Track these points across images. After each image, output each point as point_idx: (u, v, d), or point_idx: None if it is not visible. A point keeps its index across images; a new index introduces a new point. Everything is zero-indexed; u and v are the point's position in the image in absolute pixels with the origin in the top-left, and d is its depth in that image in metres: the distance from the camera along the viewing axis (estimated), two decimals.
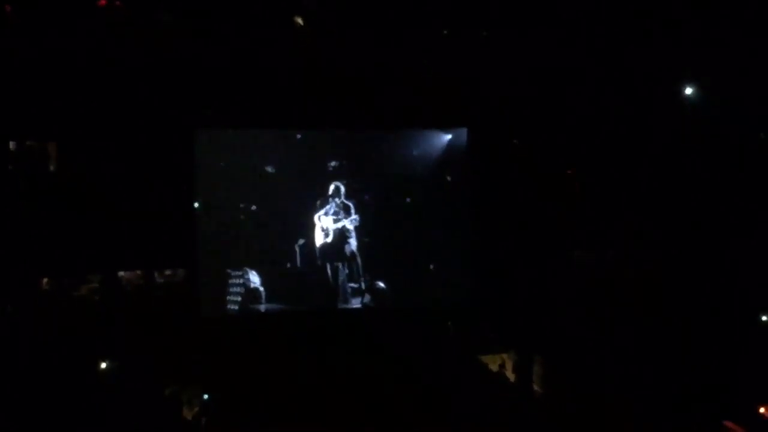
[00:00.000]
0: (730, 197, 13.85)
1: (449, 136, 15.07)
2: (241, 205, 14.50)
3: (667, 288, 14.09)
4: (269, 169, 14.55)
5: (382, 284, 14.90)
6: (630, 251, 14.43)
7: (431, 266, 15.06)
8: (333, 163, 14.81)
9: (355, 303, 14.87)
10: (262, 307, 14.50)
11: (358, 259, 14.82)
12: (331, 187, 14.81)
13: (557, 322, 14.15)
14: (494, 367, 14.26)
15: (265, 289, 14.48)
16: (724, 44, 13.08)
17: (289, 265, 14.62)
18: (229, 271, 14.44)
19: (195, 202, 14.25)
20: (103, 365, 13.00)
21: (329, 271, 14.79)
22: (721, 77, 13.36)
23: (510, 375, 14.19)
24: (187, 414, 12.90)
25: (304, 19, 13.89)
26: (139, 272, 14.14)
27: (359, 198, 14.88)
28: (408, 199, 15.01)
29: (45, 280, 13.77)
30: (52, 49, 13.07)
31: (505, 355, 14.34)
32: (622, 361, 13.40)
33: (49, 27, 13.04)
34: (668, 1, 13.30)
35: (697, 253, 14.13)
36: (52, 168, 13.80)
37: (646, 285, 14.18)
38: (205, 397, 13.07)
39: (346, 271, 14.80)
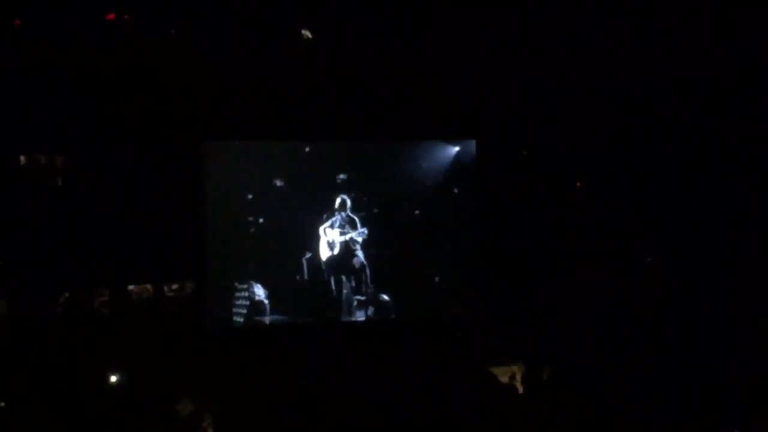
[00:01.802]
0: (745, 212, 13.94)
1: (457, 149, 15.09)
2: (250, 218, 14.46)
3: (677, 300, 14.15)
4: (278, 182, 14.52)
5: (386, 297, 14.89)
6: (639, 262, 14.47)
7: (436, 279, 15.04)
8: (341, 176, 14.78)
9: (360, 315, 14.86)
10: (267, 319, 14.48)
11: (366, 271, 14.81)
12: (338, 201, 14.80)
13: (567, 334, 14.16)
14: (504, 379, 14.23)
15: (270, 301, 14.46)
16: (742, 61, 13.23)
17: (298, 277, 14.62)
18: (235, 283, 14.39)
19: (204, 214, 14.20)
20: (113, 378, 12.96)
21: (333, 284, 14.78)
22: (735, 92, 13.50)
23: (519, 386, 14.17)
24: (195, 426, 12.83)
25: (312, 32, 13.96)
26: (148, 286, 14.11)
27: (367, 210, 14.86)
28: (417, 212, 15.01)
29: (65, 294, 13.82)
30: (60, 62, 13.10)
31: (515, 367, 14.31)
32: (632, 373, 13.41)
33: (57, 41, 13.06)
34: (679, 16, 13.41)
35: (709, 266, 14.19)
36: (60, 182, 13.78)
37: (655, 296, 14.23)
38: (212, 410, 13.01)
39: (352, 283, 14.80)
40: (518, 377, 14.16)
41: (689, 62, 13.68)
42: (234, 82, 13.89)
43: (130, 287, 14.06)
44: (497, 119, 14.71)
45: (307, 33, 14.03)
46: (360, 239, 14.78)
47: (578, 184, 15.01)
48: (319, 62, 14.13)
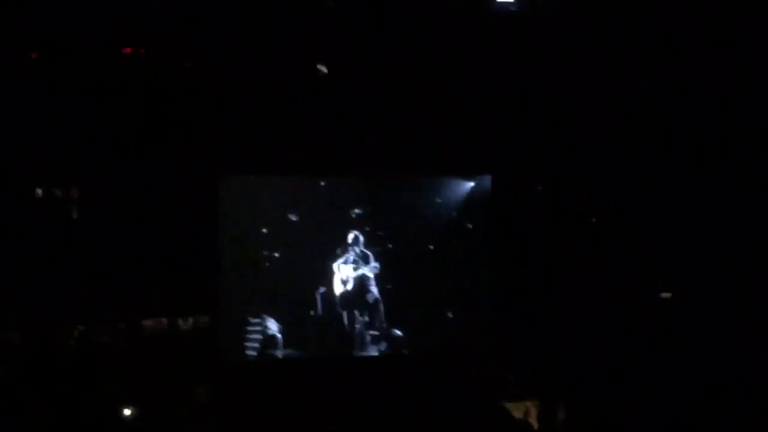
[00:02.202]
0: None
1: (472, 184, 15.08)
2: (265, 253, 14.42)
3: (697, 334, 14.10)
4: (293, 216, 14.51)
5: (399, 332, 14.81)
6: (656, 299, 14.45)
7: (449, 314, 14.97)
8: (356, 211, 14.73)
9: (372, 350, 14.76)
10: (280, 353, 14.38)
11: (381, 307, 14.75)
12: (350, 236, 14.73)
13: (583, 371, 14.09)
14: (519, 415, 14.16)
15: (283, 336, 14.37)
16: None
17: (312, 312, 14.53)
18: (249, 318, 14.36)
19: (219, 248, 14.18)
20: (126, 412, 12.94)
21: (346, 319, 14.69)
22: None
23: (534, 422, 14.11)
24: None
25: (327, 67, 14.06)
26: (162, 319, 14.12)
27: (381, 245, 14.82)
28: (431, 247, 14.99)
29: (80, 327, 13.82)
30: (77, 96, 13.18)
31: (529, 403, 14.26)
32: (649, 411, 13.35)
33: (74, 75, 13.17)
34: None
35: (732, 299, 14.16)
36: (75, 214, 13.84)
37: (675, 334, 14.18)
38: None
39: (366, 318, 14.71)
40: (532, 413, 14.14)
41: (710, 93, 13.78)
42: (251, 117, 13.98)
43: (145, 321, 14.04)
44: (514, 155, 14.74)
45: (323, 68, 14.11)
46: (372, 274, 14.73)
47: (594, 219, 15.02)
48: (336, 97, 14.19)
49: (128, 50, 13.45)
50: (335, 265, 14.71)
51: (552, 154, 14.67)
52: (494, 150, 14.74)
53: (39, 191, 13.68)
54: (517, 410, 14.19)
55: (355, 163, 14.65)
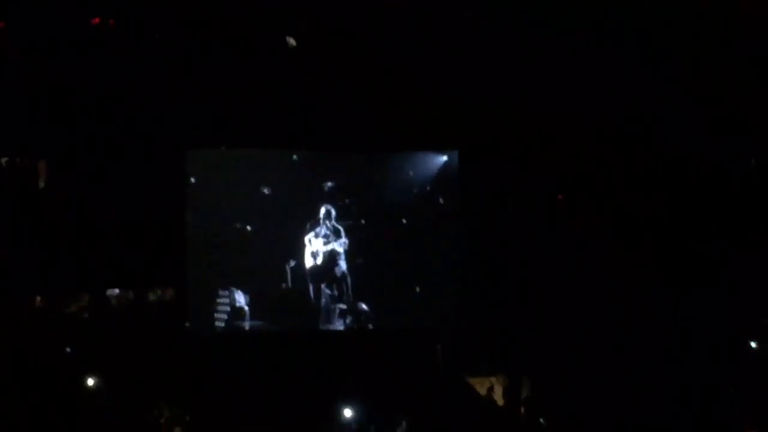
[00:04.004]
0: (722, 222, 13.99)
1: (444, 158, 15.13)
2: (237, 226, 14.46)
3: (657, 312, 14.16)
4: (265, 189, 14.53)
5: (365, 306, 14.87)
6: (624, 277, 14.46)
7: (417, 289, 15.01)
8: (329, 184, 14.83)
9: (339, 324, 14.84)
10: (246, 325, 14.46)
11: (348, 281, 14.81)
12: (322, 210, 14.81)
13: (547, 346, 14.12)
14: (482, 391, 14.20)
15: (250, 308, 14.44)
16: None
17: (284, 285, 14.62)
18: (218, 290, 14.40)
19: (186, 221, 14.20)
20: (90, 382, 12.96)
21: (312, 292, 14.77)
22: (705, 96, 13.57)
23: (498, 398, 14.15)
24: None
25: (296, 40, 13.99)
26: (129, 291, 14.14)
27: (354, 219, 14.89)
28: (403, 221, 15.02)
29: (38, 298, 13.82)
30: (43, 67, 13.12)
31: (493, 379, 14.29)
32: (612, 386, 13.40)
33: (41, 46, 13.09)
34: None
35: (687, 279, 14.21)
36: (42, 185, 13.80)
37: (639, 307, 14.24)
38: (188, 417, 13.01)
39: (335, 292, 14.78)
40: (496, 389, 14.17)
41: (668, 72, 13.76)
42: (223, 90, 13.87)
43: (110, 292, 14.03)
44: (480, 131, 14.66)
45: (291, 41, 14.05)
46: (341, 249, 14.76)
47: (560, 196, 15.01)
48: (309, 71, 14.11)
49: (96, 21, 13.36)
50: (306, 239, 14.76)
51: (519, 131, 14.57)
52: (461, 125, 14.66)
53: (3, 162, 13.62)
54: (481, 386, 14.25)
55: (327, 137, 14.63)
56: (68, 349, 13.37)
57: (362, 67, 14.24)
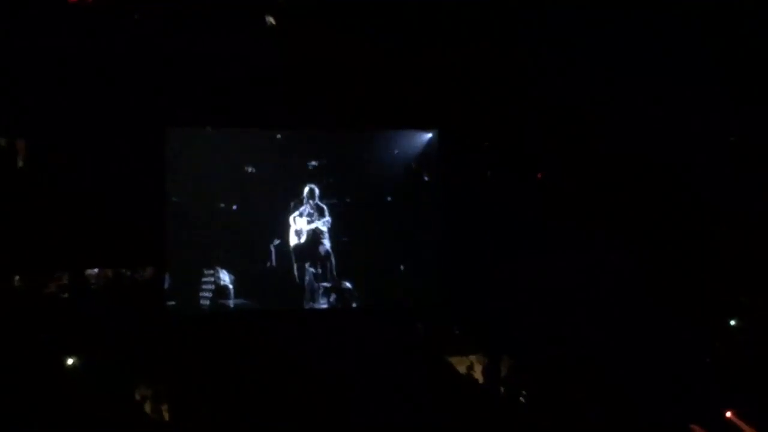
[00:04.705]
0: (703, 199, 13.95)
1: (429, 135, 15.10)
2: (222, 205, 14.51)
3: (637, 291, 14.13)
4: (249, 168, 14.55)
5: (348, 284, 14.93)
6: (601, 254, 14.43)
7: (402, 267, 15.03)
8: (313, 163, 14.85)
9: (322, 302, 14.92)
10: (231, 303, 14.56)
11: (332, 259, 14.85)
12: (306, 190, 14.84)
13: (527, 325, 14.12)
14: (462, 369, 14.21)
15: (234, 287, 14.52)
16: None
17: (268, 264, 14.70)
18: (203, 269, 14.44)
19: (167, 200, 14.22)
20: (70, 361, 13.00)
21: (296, 271, 14.83)
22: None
23: (478, 377, 14.15)
24: (154, 411, 12.86)
25: (276, 18, 13.92)
26: (108, 270, 14.16)
27: (339, 198, 14.94)
28: (389, 198, 15.06)
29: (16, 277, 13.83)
30: (20, 45, 13.06)
31: (473, 357, 14.30)
32: (593, 364, 13.39)
33: (17, 23, 13.03)
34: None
35: (668, 257, 14.18)
36: (20, 164, 13.81)
37: (616, 288, 14.21)
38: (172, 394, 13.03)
39: (319, 271, 14.84)
40: (476, 367, 14.17)
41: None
42: (205, 69, 13.81)
43: (89, 271, 14.06)
44: (460, 109, 14.58)
45: (270, 19, 13.97)
46: (325, 228, 14.78)
47: (539, 174, 14.96)
48: (293, 49, 14.04)
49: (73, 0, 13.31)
50: (291, 218, 14.81)
51: (500, 110, 14.50)
52: (442, 104, 14.58)
53: None
54: (461, 365, 14.25)
55: (311, 115, 14.53)
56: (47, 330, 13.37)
57: (345, 46, 14.14)
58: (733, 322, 13.88)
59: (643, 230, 14.38)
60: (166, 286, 14.29)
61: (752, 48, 13.31)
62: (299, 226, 14.79)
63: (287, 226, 14.83)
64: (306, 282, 14.80)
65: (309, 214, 14.82)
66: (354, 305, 14.93)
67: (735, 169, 13.91)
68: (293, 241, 14.81)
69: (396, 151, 15.11)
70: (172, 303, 14.32)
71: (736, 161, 13.97)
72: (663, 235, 14.26)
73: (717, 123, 14.00)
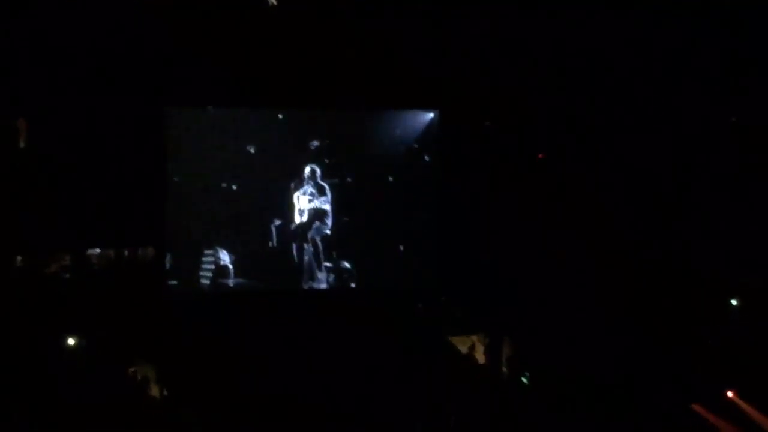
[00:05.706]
0: (700, 183, 13.95)
1: (431, 115, 15.06)
2: (223, 185, 14.48)
3: (635, 271, 14.16)
4: (251, 149, 14.53)
5: (347, 264, 14.91)
6: (600, 235, 14.44)
7: (401, 247, 15.02)
8: (314, 143, 14.79)
9: (321, 282, 14.90)
10: (230, 282, 14.56)
11: (332, 239, 14.86)
12: (307, 170, 14.80)
13: (528, 305, 14.13)
14: (464, 349, 14.25)
15: (234, 266, 14.52)
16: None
17: (270, 244, 14.70)
18: (204, 249, 14.45)
19: (168, 180, 14.20)
20: (71, 341, 13.03)
21: (296, 250, 14.82)
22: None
23: (480, 357, 14.19)
24: (154, 391, 12.92)
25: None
26: (109, 250, 14.19)
27: (340, 178, 14.89)
28: (390, 179, 15.01)
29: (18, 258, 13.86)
30: (21, 26, 13.01)
31: (475, 337, 14.34)
32: (591, 345, 13.42)
33: (17, 4, 12.99)
34: None
35: (667, 238, 14.19)
36: (22, 145, 13.79)
37: (615, 269, 14.22)
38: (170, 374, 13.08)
39: (319, 251, 14.82)
40: (477, 347, 14.21)
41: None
42: (207, 48, 13.74)
43: (90, 251, 14.07)
44: (461, 90, 14.53)
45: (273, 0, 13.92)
46: (326, 207, 14.78)
47: (540, 155, 14.94)
48: (294, 29, 13.98)
49: None
50: (294, 197, 14.77)
51: (500, 90, 14.47)
52: (442, 84, 14.53)
53: None
54: (463, 345, 14.30)
55: (313, 95, 14.45)
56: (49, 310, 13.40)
57: (347, 26, 14.08)
58: (734, 302, 13.90)
59: (647, 213, 14.38)
60: (167, 265, 14.29)
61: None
62: (300, 205, 14.80)
63: (288, 205, 14.78)
64: (305, 262, 14.78)
65: (310, 194, 14.80)
66: (353, 285, 14.88)
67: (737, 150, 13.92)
68: (294, 221, 14.79)
69: (397, 131, 15.04)
70: (173, 282, 14.33)
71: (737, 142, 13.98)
72: (667, 218, 14.27)
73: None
